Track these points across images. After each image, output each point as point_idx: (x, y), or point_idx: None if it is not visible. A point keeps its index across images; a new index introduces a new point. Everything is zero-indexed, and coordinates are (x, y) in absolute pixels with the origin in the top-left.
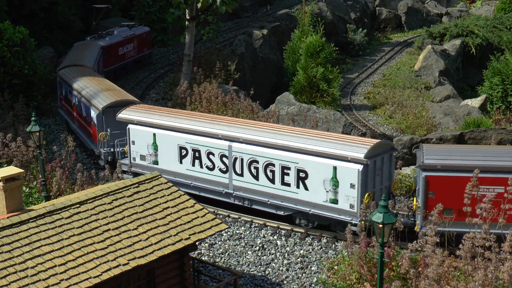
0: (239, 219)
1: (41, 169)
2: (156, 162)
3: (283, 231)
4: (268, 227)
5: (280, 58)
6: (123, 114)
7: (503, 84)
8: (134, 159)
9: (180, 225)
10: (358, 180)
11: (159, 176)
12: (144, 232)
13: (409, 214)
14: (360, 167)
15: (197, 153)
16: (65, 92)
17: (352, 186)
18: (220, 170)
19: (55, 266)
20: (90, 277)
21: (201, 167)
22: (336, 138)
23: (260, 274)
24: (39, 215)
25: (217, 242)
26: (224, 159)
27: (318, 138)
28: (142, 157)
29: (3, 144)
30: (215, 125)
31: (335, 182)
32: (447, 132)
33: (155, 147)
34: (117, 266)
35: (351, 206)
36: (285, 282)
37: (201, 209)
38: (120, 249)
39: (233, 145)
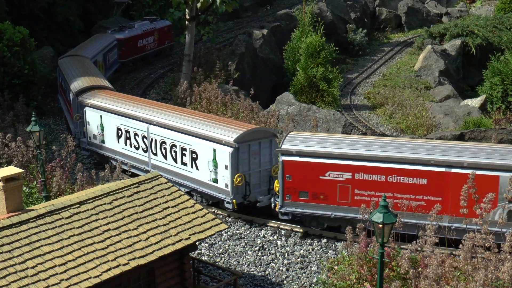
0: (239, 219)
1: (41, 169)
2: (103, 141)
3: (283, 231)
4: (268, 227)
5: (280, 58)
6: (82, 98)
7: (503, 84)
8: (90, 137)
9: (180, 225)
10: (230, 161)
11: (159, 176)
12: (144, 232)
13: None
14: (230, 150)
15: (127, 133)
16: (60, 79)
17: (226, 167)
18: (143, 149)
19: (55, 266)
20: (90, 277)
21: (131, 146)
22: (219, 123)
23: (260, 274)
24: (39, 215)
25: (217, 242)
26: (145, 140)
27: (205, 122)
28: (94, 136)
29: (3, 144)
30: (139, 109)
31: (215, 163)
32: (447, 132)
33: (102, 127)
34: (117, 266)
35: (226, 186)
36: (285, 282)
37: (201, 209)
38: (120, 249)
39: (150, 127)
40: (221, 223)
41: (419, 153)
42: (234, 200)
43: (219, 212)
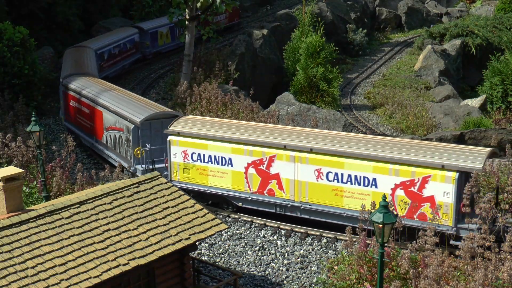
0: (239, 219)
1: (41, 169)
2: None
3: (283, 231)
4: (268, 227)
5: (280, 58)
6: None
7: (503, 84)
8: None
9: (180, 225)
10: None
11: (159, 176)
12: (144, 232)
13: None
14: None
15: None
16: None
17: None
18: None
19: (55, 266)
20: (90, 277)
21: None
22: None
23: (260, 274)
24: (39, 215)
25: (217, 242)
26: None
27: None
28: None
29: (3, 144)
30: None
31: None
32: (447, 132)
33: None
34: (117, 266)
35: None
36: (285, 282)
37: (201, 209)
38: (120, 249)
39: None
40: (221, 223)
41: (88, 92)
42: None
43: (219, 212)
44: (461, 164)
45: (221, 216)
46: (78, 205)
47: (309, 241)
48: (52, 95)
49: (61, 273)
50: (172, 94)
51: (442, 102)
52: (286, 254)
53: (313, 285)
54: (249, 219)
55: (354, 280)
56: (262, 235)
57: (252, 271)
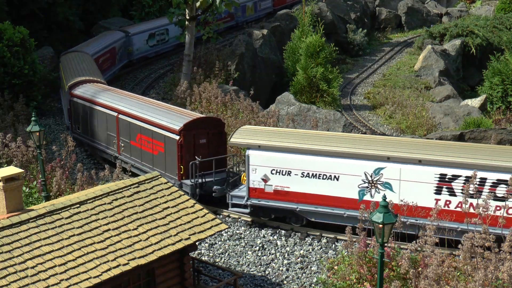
0: (239, 219)
1: (41, 169)
2: None
3: (283, 231)
4: (268, 227)
5: (280, 58)
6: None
7: (503, 84)
8: None
9: (180, 225)
10: None
11: (159, 176)
12: (144, 232)
13: None
14: None
15: None
16: None
17: None
18: None
19: (55, 266)
20: (90, 277)
21: None
22: None
23: (260, 274)
24: (39, 215)
25: (217, 242)
26: None
27: None
28: None
29: (3, 144)
30: None
31: None
32: (447, 132)
33: None
34: (117, 266)
35: None
36: (285, 282)
37: (201, 209)
38: (120, 249)
39: None
40: (221, 223)
41: None
42: None
43: (219, 212)
44: None
45: (221, 216)
46: (78, 205)
47: (309, 241)
48: (52, 95)
49: (61, 273)
50: (172, 94)
51: (442, 102)
52: (286, 254)
53: (313, 285)
54: (249, 219)
55: (354, 280)
56: (262, 235)
57: (252, 271)
